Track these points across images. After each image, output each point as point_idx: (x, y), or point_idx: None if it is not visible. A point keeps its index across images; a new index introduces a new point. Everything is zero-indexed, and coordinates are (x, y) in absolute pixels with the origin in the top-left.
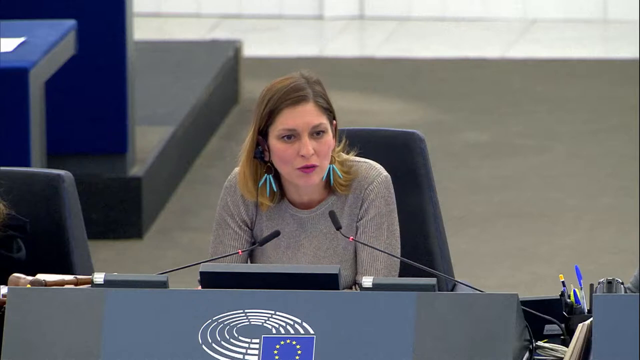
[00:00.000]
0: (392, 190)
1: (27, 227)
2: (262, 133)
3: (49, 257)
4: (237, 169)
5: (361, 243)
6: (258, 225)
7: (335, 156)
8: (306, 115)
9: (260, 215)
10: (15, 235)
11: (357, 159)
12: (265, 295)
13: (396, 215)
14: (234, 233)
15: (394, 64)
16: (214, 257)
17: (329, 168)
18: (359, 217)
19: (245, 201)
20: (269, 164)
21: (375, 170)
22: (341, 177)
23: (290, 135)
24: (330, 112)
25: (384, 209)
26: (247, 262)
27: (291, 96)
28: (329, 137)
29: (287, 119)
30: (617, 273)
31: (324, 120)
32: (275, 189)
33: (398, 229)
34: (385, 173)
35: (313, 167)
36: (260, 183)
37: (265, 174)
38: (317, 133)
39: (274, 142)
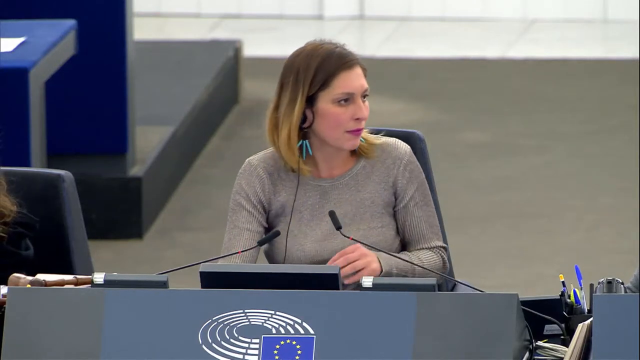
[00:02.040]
0: None
1: (36, 226)
2: (309, 99)
3: (49, 257)
4: (250, 159)
5: (360, 242)
6: (276, 203)
7: None
8: (360, 78)
9: (278, 189)
10: (24, 234)
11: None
12: (265, 295)
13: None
14: (248, 214)
15: (394, 64)
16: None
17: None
18: (400, 188)
19: (261, 180)
20: (305, 130)
21: (402, 143)
22: (363, 141)
23: (347, 99)
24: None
25: (422, 177)
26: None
27: (345, 61)
28: (367, 101)
29: (346, 83)
30: (617, 273)
31: (367, 84)
32: (310, 154)
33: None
34: (408, 146)
35: (361, 130)
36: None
37: (302, 140)
38: (364, 96)
39: (327, 107)
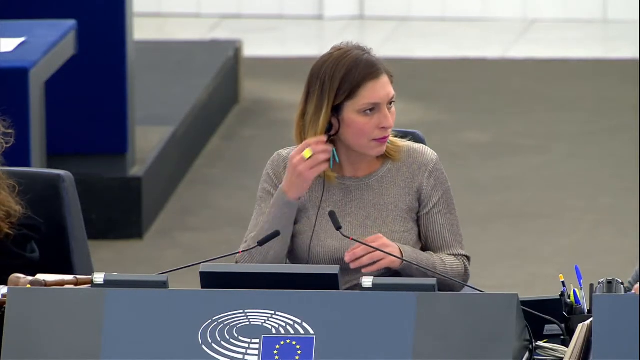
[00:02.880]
0: None
1: (42, 228)
2: (335, 108)
3: (48, 257)
4: (280, 151)
5: (360, 242)
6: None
7: None
8: (386, 87)
9: None
10: (29, 236)
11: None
12: (265, 295)
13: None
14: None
15: (394, 64)
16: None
17: None
18: (425, 194)
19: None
20: (331, 137)
21: (428, 149)
22: (389, 143)
23: (373, 108)
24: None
25: (447, 184)
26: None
27: (371, 70)
28: (393, 108)
29: (371, 93)
30: (617, 273)
31: (393, 92)
32: (337, 161)
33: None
34: (435, 153)
35: (387, 137)
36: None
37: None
38: (389, 103)
39: (352, 116)
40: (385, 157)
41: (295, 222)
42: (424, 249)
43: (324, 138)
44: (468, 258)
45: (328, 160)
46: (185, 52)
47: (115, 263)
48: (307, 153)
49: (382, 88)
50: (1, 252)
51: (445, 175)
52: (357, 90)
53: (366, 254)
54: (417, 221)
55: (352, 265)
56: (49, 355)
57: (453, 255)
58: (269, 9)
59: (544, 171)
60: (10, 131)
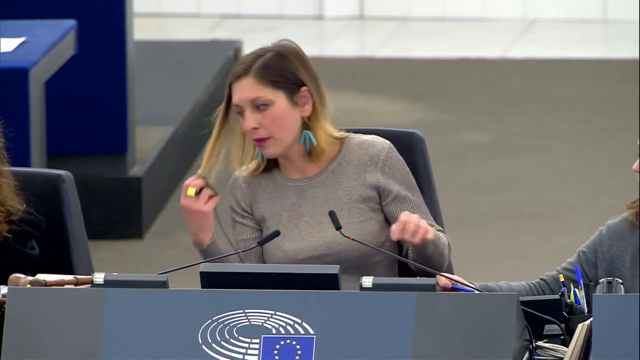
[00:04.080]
0: (399, 155)
1: (42, 225)
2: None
3: (48, 257)
4: (235, 172)
5: (359, 242)
6: (258, 208)
7: (316, 123)
8: (244, 89)
9: (257, 197)
10: (30, 233)
11: (357, 133)
12: (265, 295)
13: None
14: (240, 226)
15: (394, 64)
16: (215, 257)
17: (305, 135)
18: (383, 187)
19: (241, 190)
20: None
21: (379, 140)
22: (315, 143)
23: (241, 111)
24: (284, 83)
25: (405, 169)
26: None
27: (234, 71)
28: (276, 108)
29: (234, 95)
30: None
31: (263, 93)
32: (261, 162)
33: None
34: (387, 141)
35: (264, 139)
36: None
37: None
38: (259, 106)
39: (236, 118)
40: (336, 153)
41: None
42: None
43: (199, 175)
44: (443, 232)
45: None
46: (185, 52)
47: (115, 263)
48: (191, 192)
49: (240, 90)
50: (1, 249)
51: (400, 160)
52: (230, 92)
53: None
54: (383, 210)
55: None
56: (49, 355)
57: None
58: (269, 9)
59: (544, 171)
60: None
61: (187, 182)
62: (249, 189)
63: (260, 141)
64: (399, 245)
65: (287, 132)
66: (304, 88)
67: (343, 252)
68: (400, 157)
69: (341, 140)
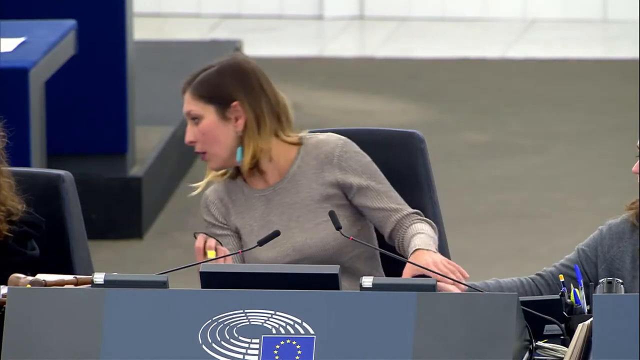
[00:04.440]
0: (356, 146)
1: (42, 225)
2: None
3: (48, 257)
4: (205, 192)
5: (360, 242)
6: (231, 221)
7: (248, 138)
8: (185, 103)
9: (229, 211)
10: (30, 233)
11: (313, 133)
12: (265, 295)
13: (375, 165)
14: (225, 238)
15: (394, 64)
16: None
17: (239, 150)
18: (344, 183)
19: (214, 204)
20: None
21: (333, 137)
22: (239, 160)
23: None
24: (215, 98)
25: (364, 159)
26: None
27: (181, 87)
28: (206, 123)
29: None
30: None
31: (194, 107)
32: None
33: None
34: (342, 137)
35: (203, 153)
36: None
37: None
38: (193, 119)
39: None
40: (293, 157)
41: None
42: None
43: (204, 233)
44: (419, 213)
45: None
46: (185, 52)
47: (115, 263)
48: (212, 254)
49: (184, 103)
50: (1, 249)
51: (358, 152)
52: None
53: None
54: (353, 204)
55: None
56: (49, 355)
57: (405, 217)
58: (269, 9)
59: (544, 171)
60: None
61: (199, 244)
62: (222, 204)
63: (200, 155)
64: (378, 233)
65: (219, 147)
66: (234, 103)
67: (317, 254)
68: (358, 149)
69: (298, 144)
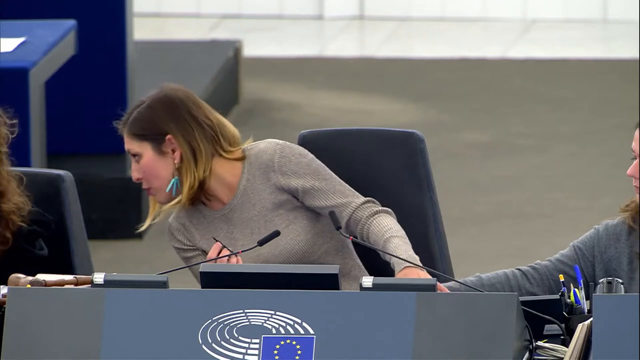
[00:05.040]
0: (296, 147)
1: (51, 224)
2: None
3: (49, 256)
4: (168, 220)
5: (361, 243)
6: (197, 243)
7: (184, 170)
8: (125, 142)
9: (194, 236)
10: (39, 232)
11: (255, 143)
12: (265, 295)
13: (319, 161)
14: (198, 257)
15: (394, 64)
16: (214, 258)
17: (173, 182)
18: (289, 187)
19: (179, 231)
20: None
21: (270, 143)
22: (174, 193)
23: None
24: (149, 135)
25: (303, 159)
26: None
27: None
28: (145, 160)
29: None
30: None
31: (132, 146)
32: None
33: (329, 170)
34: (281, 141)
35: (148, 189)
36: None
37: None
38: (134, 156)
39: None
40: (239, 172)
41: None
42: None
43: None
44: (373, 202)
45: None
46: (185, 52)
47: (115, 263)
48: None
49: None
50: (12, 247)
51: (296, 153)
52: None
53: None
54: (304, 205)
55: None
56: (49, 355)
57: (357, 208)
58: (269, 9)
59: (544, 171)
60: (14, 121)
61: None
62: (185, 229)
63: (147, 190)
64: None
65: (161, 181)
66: (168, 137)
67: (286, 261)
68: (297, 151)
69: (242, 159)
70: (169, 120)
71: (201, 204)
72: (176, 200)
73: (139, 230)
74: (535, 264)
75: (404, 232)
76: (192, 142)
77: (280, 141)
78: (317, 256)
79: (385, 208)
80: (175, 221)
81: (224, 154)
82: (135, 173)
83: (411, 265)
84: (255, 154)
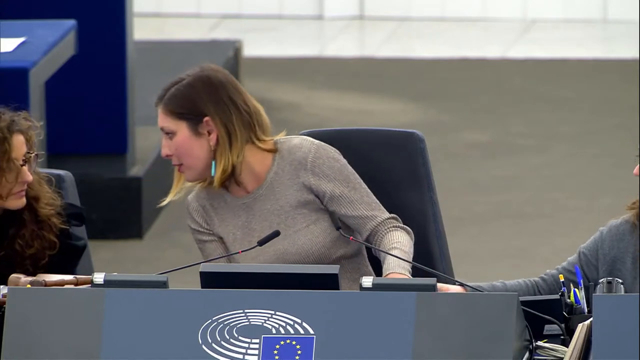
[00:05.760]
0: (330, 149)
1: (83, 214)
2: None
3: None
4: (188, 197)
5: (361, 243)
6: (214, 229)
7: (219, 153)
8: (158, 118)
9: (212, 219)
10: (78, 226)
11: (288, 137)
12: (265, 295)
13: (350, 168)
14: (210, 244)
15: (394, 64)
16: (214, 258)
17: (213, 164)
18: (317, 189)
19: (197, 210)
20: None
21: (306, 141)
22: (213, 174)
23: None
24: (186, 114)
25: (337, 164)
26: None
27: (156, 97)
28: (179, 138)
29: None
30: None
31: (167, 123)
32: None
33: (359, 178)
34: (316, 141)
35: (179, 165)
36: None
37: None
38: (167, 134)
39: None
40: (269, 164)
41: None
42: (349, 229)
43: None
44: (396, 218)
45: None
46: (185, 52)
47: (115, 263)
48: None
49: (158, 118)
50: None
51: (331, 157)
52: None
53: None
54: (328, 209)
55: None
56: (49, 355)
57: (381, 223)
58: (269, 9)
59: (544, 171)
60: (41, 123)
61: None
62: (204, 210)
63: (177, 167)
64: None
65: (194, 161)
66: (206, 119)
67: (299, 261)
68: (332, 154)
69: (273, 151)
70: (209, 101)
71: (224, 189)
72: (203, 180)
73: (160, 205)
74: (544, 274)
75: (411, 248)
76: (229, 125)
77: (316, 141)
78: (332, 260)
79: (405, 226)
80: (195, 201)
81: (257, 142)
82: (165, 149)
83: (396, 272)
84: (288, 149)
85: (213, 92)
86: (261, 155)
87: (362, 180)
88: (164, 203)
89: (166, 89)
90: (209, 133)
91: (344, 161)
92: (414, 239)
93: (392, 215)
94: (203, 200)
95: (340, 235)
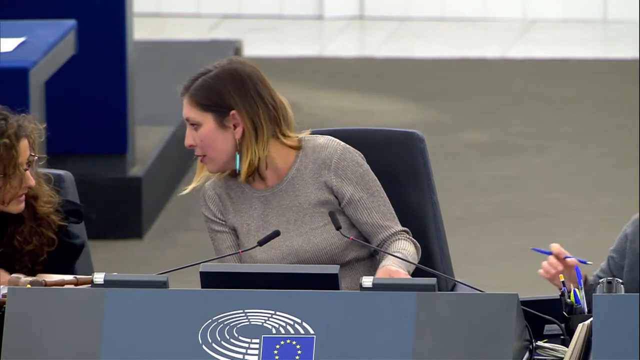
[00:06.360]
0: (355, 153)
1: (82, 211)
2: None
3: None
4: (205, 185)
5: (361, 243)
6: (228, 218)
7: (244, 147)
8: (184, 108)
9: (227, 208)
10: (76, 224)
11: (313, 136)
12: (265, 295)
13: (372, 174)
14: (222, 234)
15: (394, 64)
16: (214, 257)
17: (237, 157)
18: (337, 190)
19: (212, 199)
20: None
21: (333, 142)
22: (238, 167)
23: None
24: (213, 106)
25: (360, 169)
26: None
27: (181, 86)
28: (204, 130)
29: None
30: None
31: (192, 114)
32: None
33: (380, 186)
34: (342, 142)
35: (202, 156)
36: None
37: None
38: (192, 125)
39: None
40: (292, 160)
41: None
42: (365, 235)
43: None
44: (407, 232)
45: None
46: (185, 52)
47: (115, 263)
48: None
49: (183, 108)
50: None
51: (355, 161)
52: None
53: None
54: (344, 212)
55: None
56: (49, 355)
57: (392, 235)
58: (269, 9)
59: (544, 171)
60: (44, 125)
61: None
62: (220, 199)
63: (200, 157)
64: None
65: (218, 153)
66: (232, 112)
67: (313, 259)
68: (356, 159)
69: (297, 148)
70: (236, 94)
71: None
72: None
73: (181, 194)
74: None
75: (415, 258)
76: (255, 120)
77: (342, 142)
78: (345, 262)
79: (414, 240)
80: (211, 189)
81: (281, 137)
82: (189, 139)
83: (389, 266)
84: (313, 147)
85: (240, 86)
86: (285, 151)
87: (382, 189)
88: (186, 192)
89: (193, 80)
90: (235, 126)
91: (367, 167)
92: (420, 255)
93: (404, 228)
94: (220, 188)
95: (355, 235)
